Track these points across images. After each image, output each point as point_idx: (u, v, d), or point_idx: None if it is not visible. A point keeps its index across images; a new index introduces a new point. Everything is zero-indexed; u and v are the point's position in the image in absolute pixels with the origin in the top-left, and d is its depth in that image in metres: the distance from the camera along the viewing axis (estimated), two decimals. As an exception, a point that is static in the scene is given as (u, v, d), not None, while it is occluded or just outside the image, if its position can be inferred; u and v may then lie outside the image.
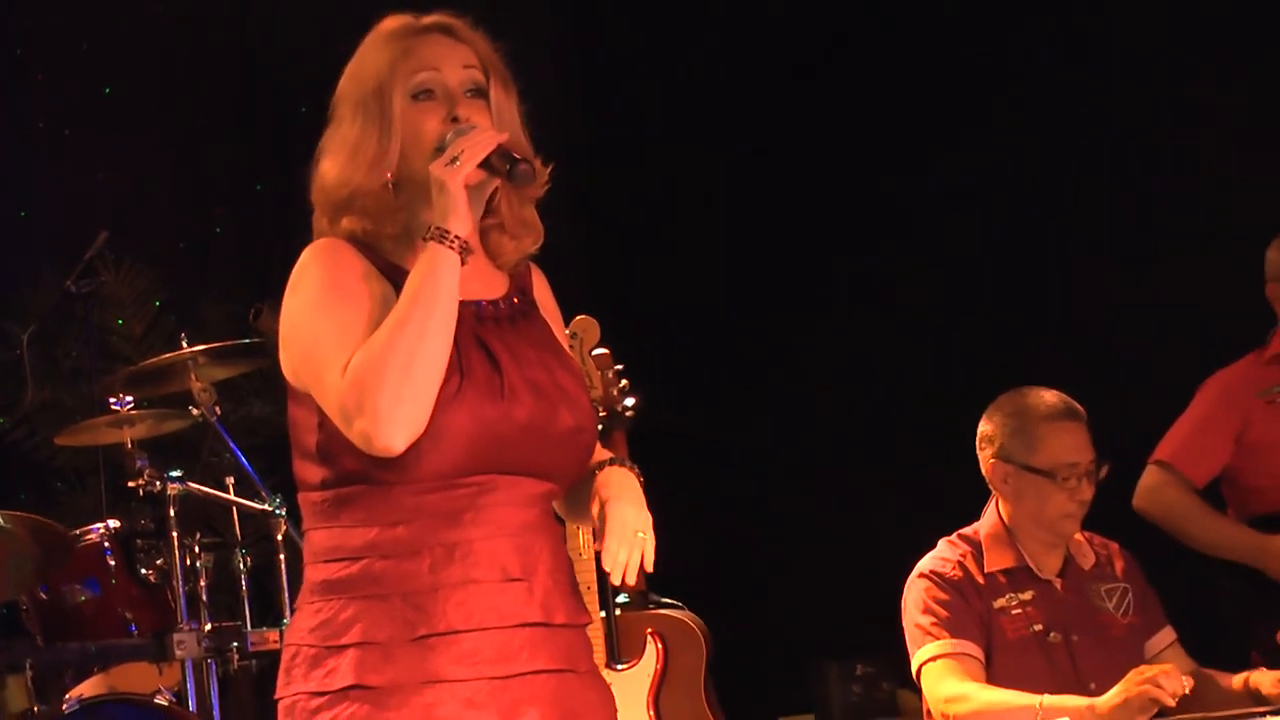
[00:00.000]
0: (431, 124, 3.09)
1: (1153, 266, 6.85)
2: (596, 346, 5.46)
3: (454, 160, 2.99)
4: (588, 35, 8.56)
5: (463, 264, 2.99)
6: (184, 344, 6.19)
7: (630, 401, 5.46)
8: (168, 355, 6.25)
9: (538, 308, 3.24)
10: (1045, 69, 7.31)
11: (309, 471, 3.08)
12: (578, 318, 5.48)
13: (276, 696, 3.09)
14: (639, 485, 3.18)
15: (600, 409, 5.44)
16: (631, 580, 3.10)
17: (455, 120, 3.08)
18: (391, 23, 3.18)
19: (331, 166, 3.12)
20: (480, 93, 3.14)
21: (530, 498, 3.08)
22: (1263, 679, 4.53)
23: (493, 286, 3.15)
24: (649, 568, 3.10)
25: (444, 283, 2.97)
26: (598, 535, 3.11)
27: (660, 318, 7.79)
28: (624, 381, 5.49)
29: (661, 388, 5.67)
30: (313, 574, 3.07)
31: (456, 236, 2.98)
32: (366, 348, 2.95)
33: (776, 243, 7.87)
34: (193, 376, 6.13)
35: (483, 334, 3.07)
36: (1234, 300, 5.80)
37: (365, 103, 3.10)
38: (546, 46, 8.25)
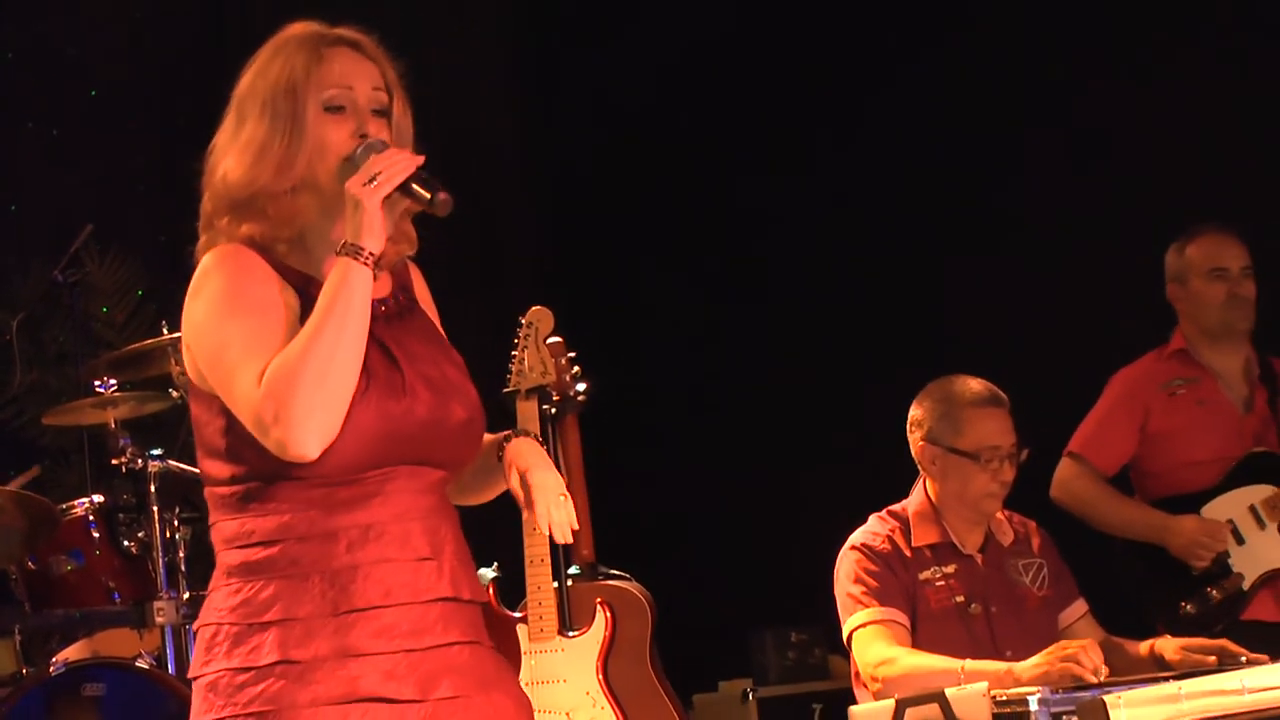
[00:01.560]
0: (339, 136, 3.00)
1: (1067, 270, 6.88)
2: (550, 335, 5.45)
3: (372, 180, 2.91)
4: (540, 31, 8.54)
5: (375, 279, 2.93)
6: (164, 330, 6.15)
7: (582, 386, 5.45)
8: (148, 341, 6.22)
9: (419, 303, 3.18)
10: (954, 66, 7.32)
11: (216, 468, 3.01)
12: (533, 308, 5.46)
13: (193, 675, 3.00)
14: (545, 451, 3.16)
15: (554, 394, 5.44)
16: (568, 538, 3.08)
17: (364, 136, 3.01)
18: (301, 29, 3.10)
19: (236, 165, 3.01)
20: (384, 113, 3.06)
21: (430, 484, 3.04)
22: (1166, 645, 4.54)
23: (378, 286, 3.03)
24: (575, 525, 3.08)
25: (357, 297, 2.90)
26: (523, 503, 3.09)
27: (610, 306, 7.79)
28: (576, 368, 5.48)
29: (611, 372, 5.65)
30: (227, 559, 2.98)
31: (371, 253, 2.91)
32: (281, 358, 2.87)
33: (718, 233, 7.87)
34: (172, 361, 6.09)
35: (378, 333, 3.00)
36: (1140, 301, 5.82)
37: (275, 105, 3.01)
38: (500, 41, 8.26)
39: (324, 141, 3.00)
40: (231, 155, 3.03)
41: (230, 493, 2.99)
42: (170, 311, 6.73)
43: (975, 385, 4.81)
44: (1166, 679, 3.79)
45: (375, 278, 2.93)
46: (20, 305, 7.24)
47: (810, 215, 7.73)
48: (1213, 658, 4.37)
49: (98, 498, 6.04)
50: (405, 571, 2.97)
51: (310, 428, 2.85)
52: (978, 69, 7.23)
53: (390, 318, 3.07)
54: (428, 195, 2.96)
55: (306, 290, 2.99)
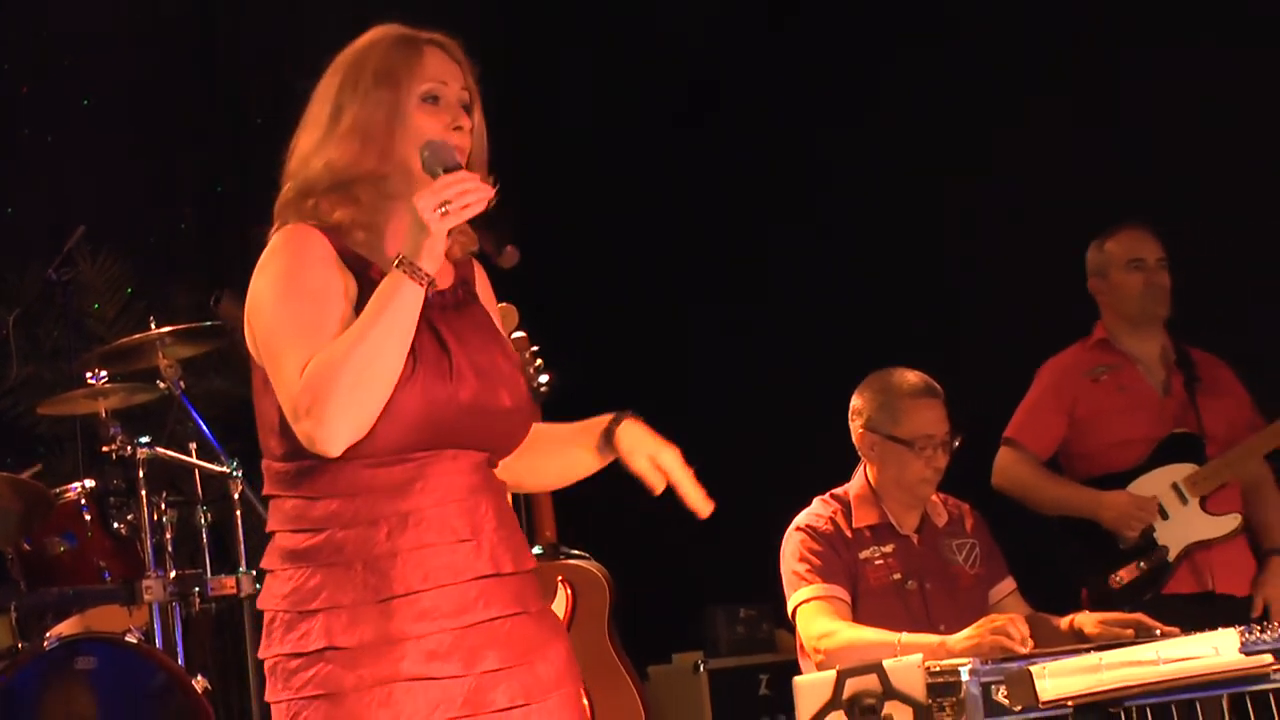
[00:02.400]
0: (436, 125, 2.98)
1: (999, 266, 6.90)
2: (515, 331, 5.45)
3: (443, 206, 2.85)
4: (507, 31, 8.51)
5: (426, 297, 2.89)
6: (152, 326, 6.15)
7: (544, 378, 5.45)
8: (138, 336, 6.21)
9: (478, 298, 3.16)
10: (906, 76, 7.34)
11: (273, 442, 2.99)
12: (498, 305, 5.46)
13: (261, 656, 2.99)
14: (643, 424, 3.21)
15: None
16: (707, 508, 3.22)
17: (459, 128, 3.00)
18: (394, 29, 3.07)
19: (343, 150, 2.97)
20: (468, 111, 3.05)
21: (472, 465, 3.00)
22: (1085, 620, 4.56)
23: (442, 276, 2.99)
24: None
25: (405, 312, 2.85)
26: (653, 484, 3.15)
27: (571, 301, 7.79)
28: (539, 361, 5.48)
29: (570, 364, 5.65)
30: (281, 541, 2.98)
31: (427, 274, 2.87)
32: (325, 356, 2.84)
33: (671, 234, 7.87)
34: (160, 354, 6.09)
35: (433, 319, 2.97)
36: (1067, 294, 5.84)
37: (378, 95, 2.97)
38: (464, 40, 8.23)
39: (422, 130, 2.97)
40: (334, 142, 2.98)
41: (283, 469, 2.98)
42: (158, 307, 6.75)
43: (912, 377, 4.83)
44: (1087, 651, 3.81)
45: (427, 296, 2.88)
46: (17, 302, 7.21)
47: (764, 216, 7.73)
48: (1130, 630, 4.40)
49: (89, 483, 6.02)
50: (444, 554, 2.93)
51: (339, 428, 2.83)
52: (937, 75, 7.23)
53: (448, 307, 3.05)
54: (493, 248, 2.92)
55: (365, 274, 2.96)
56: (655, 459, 3.14)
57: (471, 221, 2.91)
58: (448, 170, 2.92)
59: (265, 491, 3.04)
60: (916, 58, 7.28)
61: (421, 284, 2.87)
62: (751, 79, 7.84)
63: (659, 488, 3.15)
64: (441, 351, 2.96)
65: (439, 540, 2.94)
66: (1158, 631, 4.28)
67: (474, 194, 2.88)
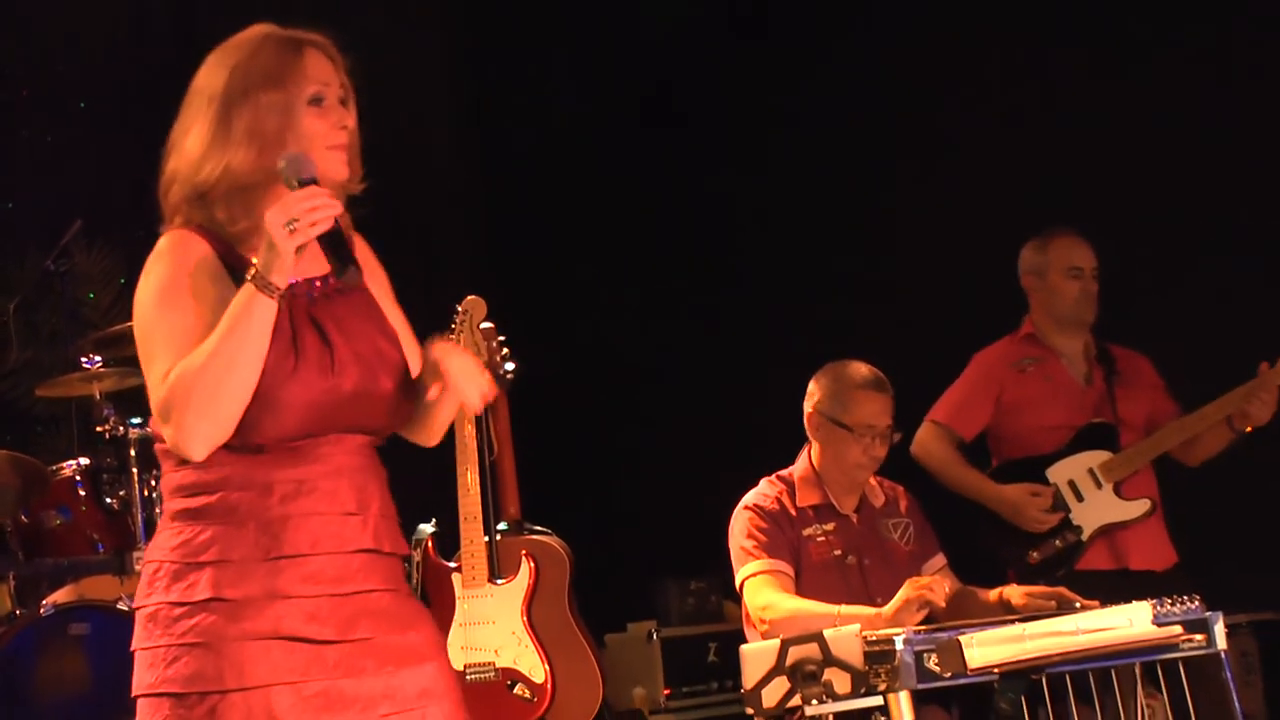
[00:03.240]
0: (323, 126, 2.93)
1: (937, 268, 6.93)
2: (483, 321, 5.44)
3: (290, 224, 2.78)
4: (475, 28, 8.49)
5: (279, 308, 2.82)
6: (143, 314, 6.12)
7: (510, 367, 5.45)
8: (130, 323, 6.17)
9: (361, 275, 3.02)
10: (854, 79, 7.36)
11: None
12: (469, 297, 5.46)
13: (136, 605, 2.94)
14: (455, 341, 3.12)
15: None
16: (479, 406, 3.01)
17: (344, 128, 2.96)
18: (271, 30, 3.00)
19: (242, 155, 2.90)
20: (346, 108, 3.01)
21: (359, 447, 2.99)
22: (1013, 593, 4.57)
23: (314, 265, 2.94)
24: (489, 395, 3.02)
25: (257, 325, 2.80)
26: (442, 390, 3.01)
27: (536, 292, 7.79)
28: (505, 350, 5.47)
29: (535, 356, 5.66)
30: (172, 505, 2.94)
31: (277, 288, 2.80)
32: (183, 367, 2.80)
33: (635, 228, 7.87)
34: (150, 341, 6.06)
35: (315, 312, 2.95)
36: (1000, 290, 5.87)
37: (267, 99, 2.91)
38: (436, 37, 8.21)
39: (312, 132, 2.93)
40: (229, 147, 2.91)
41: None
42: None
43: (865, 371, 4.85)
44: (1012, 622, 3.83)
45: (280, 307, 2.82)
46: (16, 291, 7.17)
47: (723, 211, 7.73)
48: (1052, 603, 4.42)
49: (84, 460, 6.00)
50: (333, 524, 2.92)
51: (198, 436, 2.80)
52: (884, 75, 7.25)
53: (331, 294, 3.00)
54: (339, 265, 2.85)
55: (241, 273, 2.88)
56: (440, 364, 3.00)
57: (320, 238, 2.83)
58: (301, 184, 2.85)
59: (163, 472, 2.99)
60: (858, 60, 7.31)
61: (273, 297, 2.80)
62: (710, 80, 7.84)
63: (445, 394, 3.03)
64: (324, 345, 2.92)
65: (329, 510, 2.92)
66: (1078, 604, 4.30)
67: (322, 210, 2.80)
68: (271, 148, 2.90)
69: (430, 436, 3.19)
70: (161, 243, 2.96)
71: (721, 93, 7.74)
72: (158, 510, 5.98)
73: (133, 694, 2.91)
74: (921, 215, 7.08)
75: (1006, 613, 4.45)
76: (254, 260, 2.84)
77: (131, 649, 2.93)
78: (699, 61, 7.84)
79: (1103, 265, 5.65)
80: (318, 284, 2.99)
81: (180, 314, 2.88)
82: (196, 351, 2.81)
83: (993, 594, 4.64)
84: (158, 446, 2.99)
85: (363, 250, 3.12)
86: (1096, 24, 6.66)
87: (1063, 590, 4.47)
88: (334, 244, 2.85)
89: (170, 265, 2.93)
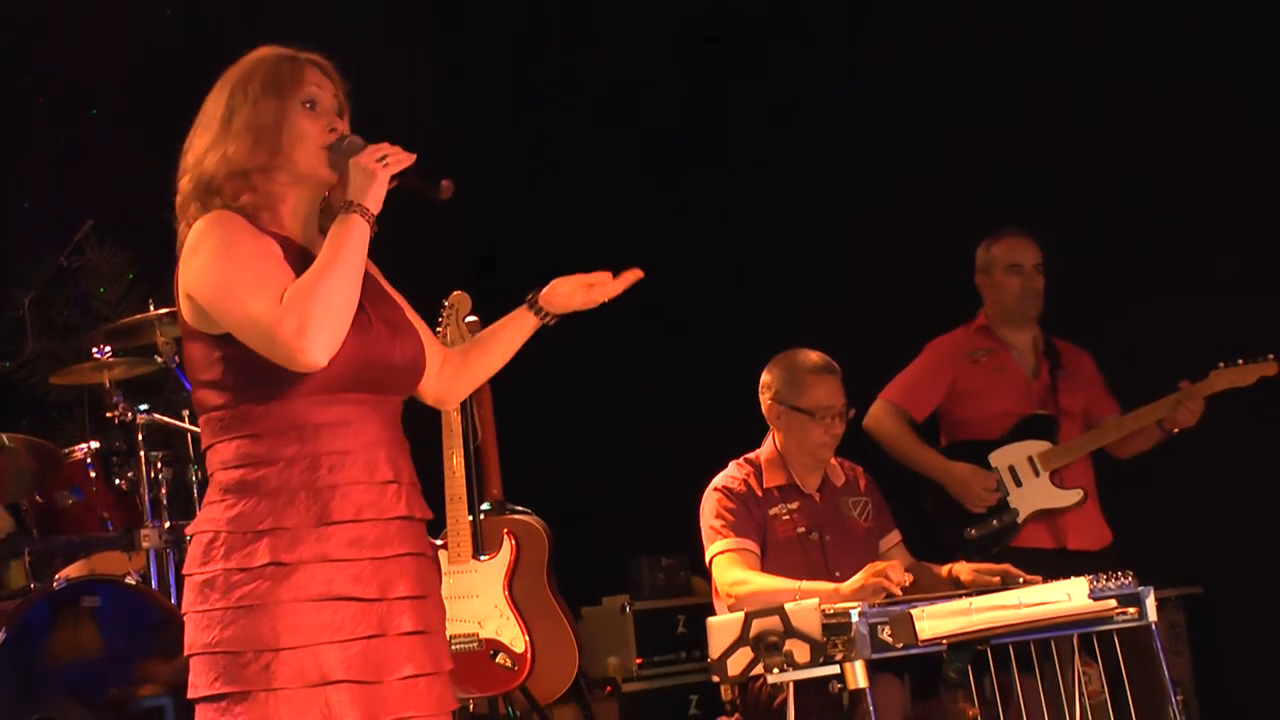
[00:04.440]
0: (315, 128, 3.04)
1: (894, 260, 6.93)
2: (468, 315, 5.43)
3: (384, 159, 2.96)
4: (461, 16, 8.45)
5: (372, 235, 2.96)
6: (151, 307, 6.09)
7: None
8: (138, 316, 6.15)
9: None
10: (824, 94, 7.34)
11: (210, 396, 2.98)
12: (455, 292, 5.45)
13: (188, 572, 2.97)
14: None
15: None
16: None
17: (334, 130, 3.05)
18: (277, 49, 3.12)
19: (239, 146, 3.00)
20: (340, 118, 3.11)
21: (391, 415, 3.06)
22: (962, 569, 4.58)
23: None
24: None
25: (359, 244, 2.93)
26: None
27: (517, 286, 7.76)
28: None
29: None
30: (223, 477, 2.97)
31: (373, 214, 2.95)
32: (301, 282, 2.87)
33: (613, 224, 7.84)
34: (158, 332, 6.04)
35: None
36: (957, 285, 5.87)
37: (265, 101, 3.02)
38: (421, 26, 8.16)
39: (304, 130, 3.03)
40: (228, 139, 3.02)
41: (224, 416, 2.97)
42: (157, 291, 6.69)
43: (814, 356, 4.85)
44: (960, 596, 3.84)
45: (373, 233, 2.96)
46: (32, 286, 7.14)
47: (698, 202, 7.71)
48: (998, 579, 4.43)
49: (95, 444, 5.97)
50: (373, 492, 2.98)
51: (325, 339, 2.85)
52: (848, 78, 7.23)
53: None
54: (434, 182, 3.03)
55: (286, 246, 3.00)
56: (585, 283, 3.43)
57: (405, 173, 3.00)
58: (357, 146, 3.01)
59: (205, 444, 3.02)
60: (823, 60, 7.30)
61: (369, 222, 2.94)
62: (703, 78, 7.80)
63: (615, 288, 3.51)
64: (360, 309, 2.97)
65: (369, 479, 2.98)
66: (1021, 580, 4.32)
67: (402, 151, 3.00)
68: (266, 140, 3.01)
69: (485, 373, 3.35)
70: (200, 224, 2.98)
71: (712, 91, 7.69)
72: (164, 490, 5.98)
73: (185, 654, 2.95)
74: (880, 216, 7.07)
75: (955, 587, 4.46)
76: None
77: (183, 612, 2.97)
78: (693, 58, 7.80)
79: (1064, 266, 5.67)
80: None
81: (254, 260, 2.93)
82: (306, 274, 2.90)
83: (944, 569, 4.65)
84: (205, 418, 3.01)
85: None
86: (1057, 29, 6.62)
87: (1008, 567, 4.49)
88: (422, 172, 3.02)
89: (222, 230, 2.96)
